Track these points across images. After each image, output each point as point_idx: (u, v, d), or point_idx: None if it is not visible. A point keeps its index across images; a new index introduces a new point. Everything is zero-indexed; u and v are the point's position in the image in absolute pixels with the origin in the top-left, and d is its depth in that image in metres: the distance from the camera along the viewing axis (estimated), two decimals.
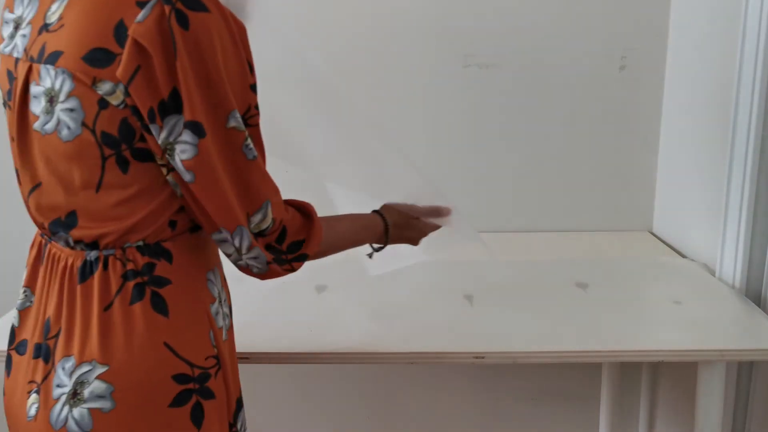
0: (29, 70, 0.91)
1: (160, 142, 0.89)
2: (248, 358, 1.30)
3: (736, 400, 1.63)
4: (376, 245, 1.30)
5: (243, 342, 1.17)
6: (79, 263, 0.94)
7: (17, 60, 0.94)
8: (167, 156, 0.90)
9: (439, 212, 1.35)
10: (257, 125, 0.96)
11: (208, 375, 0.98)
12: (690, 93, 1.89)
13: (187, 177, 0.90)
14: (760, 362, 1.58)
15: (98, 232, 0.93)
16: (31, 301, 1.02)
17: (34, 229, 1.05)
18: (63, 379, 0.93)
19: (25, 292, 1.03)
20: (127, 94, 0.87)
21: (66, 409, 0.92)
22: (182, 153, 0.89)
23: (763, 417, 1.61)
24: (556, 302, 1.55)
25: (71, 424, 0.92)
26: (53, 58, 0.88)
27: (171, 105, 0.87)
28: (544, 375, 2.17)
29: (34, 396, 0.96)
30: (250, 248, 0.96)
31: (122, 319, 0.93)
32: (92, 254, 0.94)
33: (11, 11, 0.99)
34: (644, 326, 1.45)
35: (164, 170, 0.93)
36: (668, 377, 1.97)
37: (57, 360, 0.94)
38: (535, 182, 2.07)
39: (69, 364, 0.93)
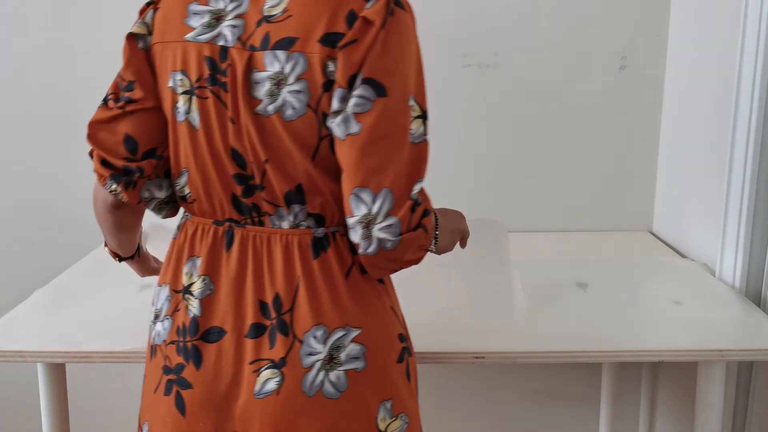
0: (250, 58, 0.97)
1: (339, 102, 0.94)
2: None
3: (736, 400, 1.63)
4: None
5: None
6: (307, 240, 1.02)
7: (224, 48, 0.99)
8: (337, 114, 0.95)
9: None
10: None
11: (407, 335, 1.11)
12: (690, 93, 1.89)
13: (354, 128, 0.94)
14: (760, 362, 1.58)
15: (323, 206, 1.01)
16: (211, 289, 1.04)
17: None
18: (315, 347, 1.00)
19: (204, 280, 1.04)
20: None
21: (321, 374, 1.00)
22: (356, 107, 0.94)
23: (763, 417, 1.61)
24: (556, 302, 1.55)
25: (327, 387, 1.00)
26: (285, 44, 0.95)
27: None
28: (544, 375, 2.18)
29: (268, 371, 1.00)
30: (388, 214, 0.96)
31: (364, 287, 1.03)
32: (319, 231, 1.02)
33: (203, 3, 1.02)
34: (644, 326, 1.45)
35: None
36: (668, 377, 1.97)
37: (301, 331, 1.00)
38: (535, 182, 2.07)
39: (320, 332, 1.00)
